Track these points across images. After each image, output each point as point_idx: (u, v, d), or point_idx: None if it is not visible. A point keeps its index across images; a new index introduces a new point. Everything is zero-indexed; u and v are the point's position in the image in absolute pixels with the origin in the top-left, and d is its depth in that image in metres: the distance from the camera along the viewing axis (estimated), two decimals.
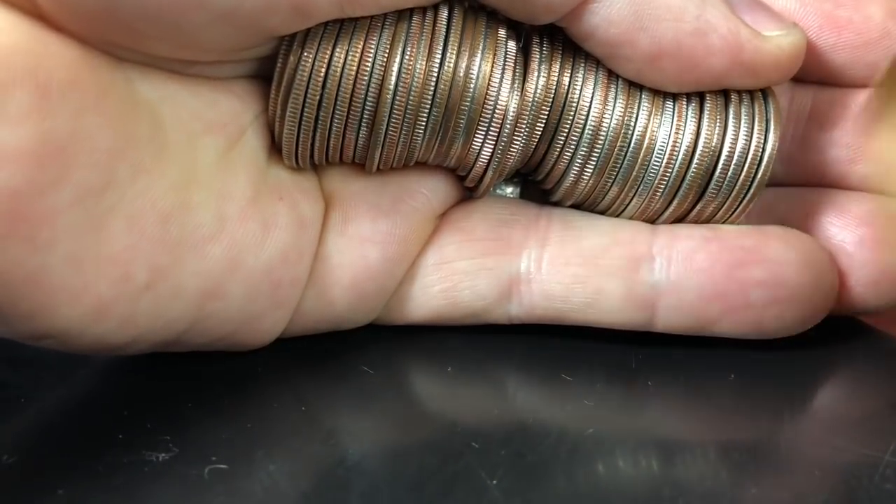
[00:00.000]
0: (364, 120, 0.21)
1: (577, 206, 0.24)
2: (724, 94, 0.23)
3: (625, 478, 0.19)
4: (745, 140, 0.22)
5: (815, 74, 0.24)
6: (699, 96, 0.22)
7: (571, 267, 0.23)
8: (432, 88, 0.21)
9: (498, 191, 0.25)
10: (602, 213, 0.24)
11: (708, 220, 0.23)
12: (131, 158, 0.19)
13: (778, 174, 0.24)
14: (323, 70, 0.20)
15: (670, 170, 0.22)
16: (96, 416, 0.21)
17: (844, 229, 0.23)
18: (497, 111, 0.21)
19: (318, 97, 0.21)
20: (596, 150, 0.22)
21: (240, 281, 0.21)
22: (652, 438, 0.20)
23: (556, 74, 0.22)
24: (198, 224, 0.20)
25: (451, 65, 0.21)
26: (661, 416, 0.21)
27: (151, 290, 0.19)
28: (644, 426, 0.21)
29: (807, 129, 0.24)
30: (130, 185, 0.19)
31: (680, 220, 0.23)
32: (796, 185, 0.25)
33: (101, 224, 0.18)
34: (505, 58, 0.21)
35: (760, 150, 0.22)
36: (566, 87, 0.22)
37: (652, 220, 0.23)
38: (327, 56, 0.20)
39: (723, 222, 0.23)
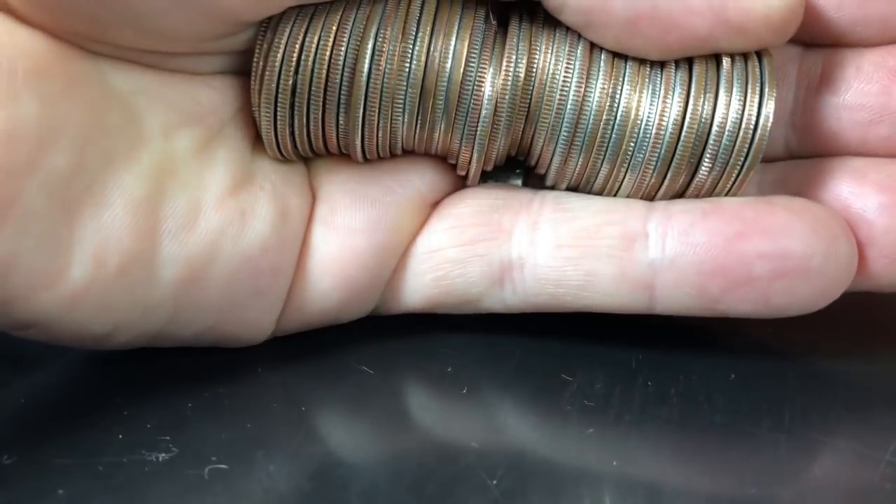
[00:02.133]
0: (341, 104, 0.21)
1: (573, 189, 0.23)
2: (716, 60, 0.22)
3: (624, 478, 0.19)
4: (739, 106, 0.21)
5: (823, 36, 0.23)
6: (688, 63, 0.21)
7: (563, 249, 0.22)
8: (407, 70, 0.21)
9: (500, 179, 0.25)
10: (598, 194, 0.23)
11: (708, 194, 0.22)
12: (102, 146, 0.19)
13: (792, 146, 0.24)
14: (295, 55, 0.20)
15: (660, 143, 0.21)
16: (96, 417, 0.21)
17: (863, 196, 0.22)
18: (476, 92, 0.21)
19: (291, 82, 0.21)
20: (581, 127, 0.22)
21: (217, 269, 0.21)
22: (652, 439, 0.20)
23: (537, 52, 0.21)
24: (171, 212, 0.20)
25: (425, 45, 0.21)
26: (660, 416, 0.21)
27: (126, 276, 0.19)
28: (644, 427, 0.21)
29: (819, 94, 0.23)
30: (101, 172, 0.19)
31: (679, 195, 0.22)
32: (812, 157, 0.23)
33: (72, 208, 0.19)
34: (482, 37, 0.21)
35: (755, 115, 0.21)
36: (547, 65, 0.22)
37: (649, 198, 0.23)
38: (299, 40, 0.20)
39: (726, 194, 0.22)
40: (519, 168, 0.25)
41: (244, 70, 0.22)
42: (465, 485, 0.18)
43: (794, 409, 0.21)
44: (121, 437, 0.20)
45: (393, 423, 0.21)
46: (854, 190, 0.22)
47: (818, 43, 0.23)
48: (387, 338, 0.24)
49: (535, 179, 0.24)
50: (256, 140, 0.22)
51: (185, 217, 0.20)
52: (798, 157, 0.24)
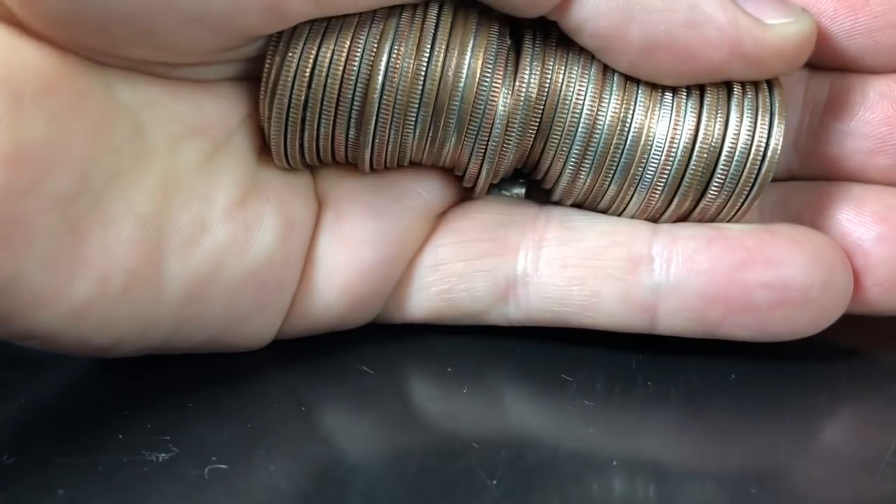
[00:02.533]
0: (352, 119, 0.21)
1: (578, 206, 0.24)
2: (727, 87, 0.22)
3: (624, 478, 0.19)
4: (748, 134, 0.21)
5: (831, 61, 0.23)
6: (699, 89, 0.22)
7: (568, 269, 0.22)
8: (420, 87, 0.21)
9: (503, 192, 0.25)
10: (603, 212, 0.23)
11: (712, 219, 0.23)
12: (107, 164, 0.19)
13: (794, 167, 0.24)
14: (308, 69, 0.20)
15: (669, 166, 0.22)
16: (96, 417, 0.21)
17: (861, 226, 0.22)
18: (488, 110, 0.21)
19: (303, 97, 0.21)
20: (591, 146, 0.22)
21: (221, 284, 0.21)
22: (652, 439, 0.20)
23: (550, 71, 0.22)
24: (177, 228, 0.20)
25: (440, 63, 0.21)
26: (660, 416, 0.21)
27: (130, 294, 0.19)
28: (644, 427, 0.21)
29: (823, 118, 0.23)
30: (106, 190, 0.19)
31: (683, 218, 0.23)
32: (812, 179, 0.24)
33: (77, 227, 0.19)
34: (496, 55, 0.21)
35: (764, 144, 0.21)
36: (559, 84, 0.22)
37: (654, 219, 0.23)
38: (312, 55, 0.20)
39: (728, 220, 0.22)
40: (522, 178, 0.25)
41: (250, 76, 0.22)
42: (466, 485, 0.18)
43: (794, 409, 0.21)
44: (121, 437, 0.20)
45: (393, 423, 0.21)
46: (853, 218, 0.22)
47: (826, 67, 0.23)
48: (387, 338, 0.24)
49: (537, 191, 0.24)
50: (262, 149, 0.22)
51: (191, 233, 0.20)
52: (799, 178, 0.24)
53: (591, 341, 0.23)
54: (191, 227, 0.20)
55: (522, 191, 0.25)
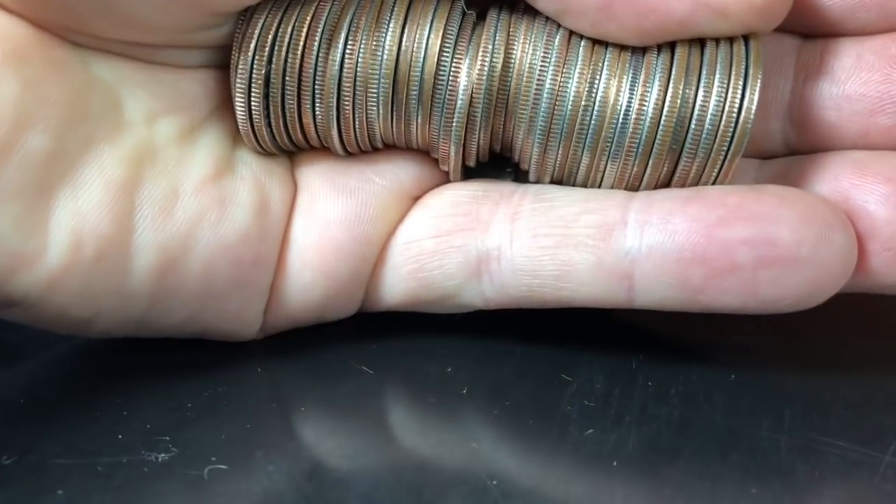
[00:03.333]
0: (316, 96, 0.21)
1: (557, 183, 0.23)
2: (700, 45, 0.21)
3: (625, 478, 0.19)
4: (721, 91, 0.20)
5: (821, 25, 0.22)
6: (670, 48, 0.21)
7: (539, 238, 0.21)
8: (379, 61, 0.21)
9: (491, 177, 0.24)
10: (582, 186, 0.22)
11: (693, 184, 0.21)
12: (82, 130, 0.19)
13: (790, 139, 0.23)
14: (268, 44, 0.20)
15: (639, 130, 0.21)
16: (96, 417, 0.21)
17: (864, 188, 0.21)
18: (451, 83, 0.21)
19: (264, 72, 0.21)
20: (558, 116, 0.21)
21: (195, 256, 0.21)
22: (651, 439, 0.20)
23: (515, 43, 0.21)
24: (149, 197, 0.20)
25: (398, 35, 0.21)
26: (660, 416, 0.21)
27: (103, 260, 0.20)
28: (644, 427, 0.21)
29: (818, 85, 0.22)
30: (80, 155, 0.19)
31: (663, 185, 0.22)
32: (812, 151, 0.23)
33: (50, 190, 0.19)
34: (459, 28, 0.21)
35: (739, 100, 0.20)
36: (524, 55, 0.21)
37: (634, 188, 0.22)
38: (272, 30, 0.20)
39: (713, 183, 0.21)
40: (509, 167, 0.24)
41: (227, 63, 0.22)
42: (465, 485, 0.18)
43: (794, 409, 0.21)
44: (121, 437, 0.20)
45: (393, 424, 0.21)
46: (855, 181, 0.21)
47: (816, 33, 0.23)
48: (387, 338, 0.24)
49: (524, 178, 0.24)
50: (238, 135, 0.22)
51: (163, 203, 0.20)
52: (797, 152, 0.23)
53: (591, 341, 0.23)
54: (163, 196, 0.20)
55: (510, 177, 0.24)
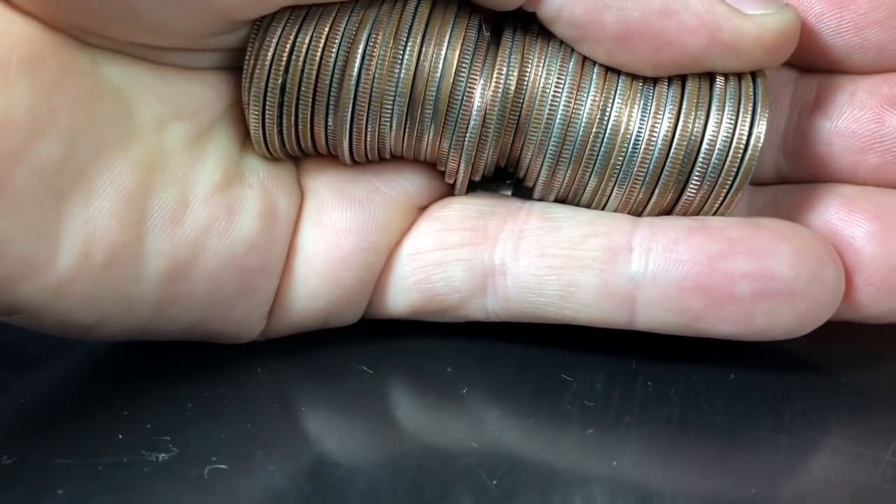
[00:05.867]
0: (330, 107, 0.21)
1: (561, 202, 0.23)
2: (709, 78, 0.22)
3: (624, 478, 0.19)
4: (729, 126, 0.21)
5: (819, 60, 0.23)
6: (681, 80, 0.21)
7: (546, 258, 0.22)
8: (396, 76, 0.21)
9: (490, 189, 0.25)
10: (586, 207, 0.23)
11: (696, 213, 0.22)
12: (94, 136, 0.19)
13: (783, 169, 0.24)
14: (285, 53, 0.20)
15: (648, 158, 0.21)
16: (96, 417, 0.21)
17: (852, 224, 0.22)
18: (465, 102, 0.21)
19: (280, 81, 0.21)
20: (569, 139, 0.22)
21: (203, 264, 0.21)
22: (652, 439, 0.20)
23: (528, 64, 0.21)
24: (159, 204, 0.20)
25: (415, 53, 0.21)
26: (660, 416, 0.21)
27: (112, 268, 0.20)
28: (644, 427, 0.21)
29: (812, 118, 0.23)
30: (92, 162, 0.19)
31: (666, 212, 0.22)
32: (802, 181, 0.23)
33: (61, 198, 0.19)
34: (474, 47, 0.21)
35: (746, 136, 0.21)
36: (538, 77, 0.21)
37: (637, 213, 0.23)
38: (290, 39, 0.20)
39: (714, 213, 0.22)
40: (509, 179, 0.25)
41: (238, 66, 0.22)
42: (465, 485, 0.18)
43: (794, 409, 0.21)
44: (121, 437, 0.20)
45: (393, 423, 0.21)
46: (843, 217, 0.22)
47: (814, 68, 0.23)
48: (387, 338, 0.24)
49: (524, 191, 0.24)
50: (246, 137, 0.22)
51: (173, 211, 0.20)
52: (789, 181, 0.24)
53: (591, 341, 0.23)
54: (173, 205, 0.20)
55: (510, 190, 0.25)
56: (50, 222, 0.19)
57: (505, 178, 0.25)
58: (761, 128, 0.21)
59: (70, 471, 0.19)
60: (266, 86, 0.21)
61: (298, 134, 0.22)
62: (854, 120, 0.22)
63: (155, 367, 0.22)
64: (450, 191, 0.24)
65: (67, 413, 0.21)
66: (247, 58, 0.21)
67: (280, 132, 0.22)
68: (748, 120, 0.21)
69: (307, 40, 0.20)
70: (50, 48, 0.19)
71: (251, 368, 0.23)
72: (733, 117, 0.21)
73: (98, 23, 0.19)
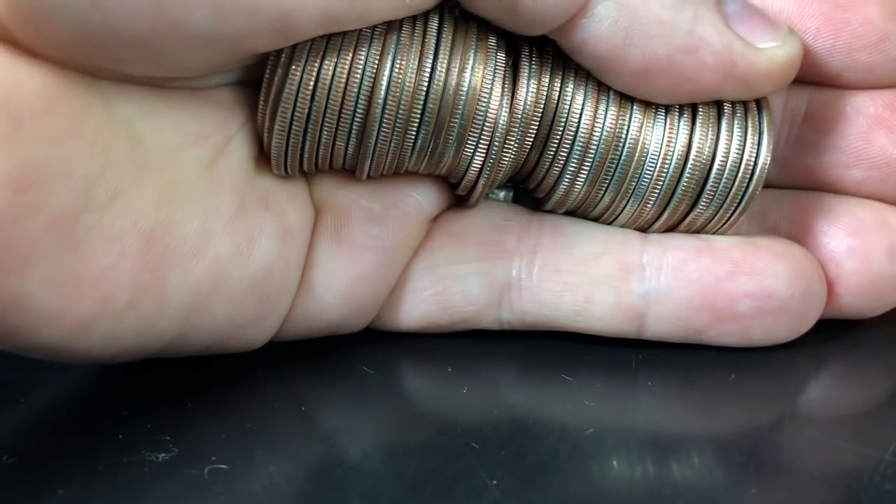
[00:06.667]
0: (353, 132, 0.21)
1: (570, 214, 0.24)
2: (717, 105, 0.22)
3: (624, 478, 0.19)
4: (738, 151, 0.22)
5: (811, 76, 0.23)
6: (691, 107, 0.22)
7: (562, 274, 0.23)
8: (422, 102, 0.21)
9: (490, 195, 0.25)
10: (595, 220, 0.24)
11: (700, 229, 0.23)
12: (109, 180, 0.19)
13: (772, 176, 0.24)
14: (311, 83, 0.20)
15: (662, 179, 0.22)
16: (96, 417, 0.21)
17: (835, 238, 0.23)
18: (487, 123, 0.21)
19: (306, 110, 0.21)
20: (588, 159, 0.22)
21: (225, 295, 0.21)
22: (651, 439, 0.20)
23: (546, 86, 0.22)
24: (181, 240, 0.20)
25: (442, 78, 0.21)
26: (660, 416, 0.21)
27: (134, 309, 0.19)
28: (644, 427, 0.21)
29: (801, 131, 0.24)
30: (109, 207, 0.19)
31: (672, 228, 0.23)
32: (790, 188, 0.25)
33: (80, 246, 0.18)
34: (495, 69, 0.21)
35: (753, 160, 0.22)
36: (556, 98, 0.22)
37: (644, 229, 0.23)
38: (315, 69, 0.20)
39: (715, 232, 0.23)
40: (509, 183, 0.25)
41: (249, 81, 0.22)
42: (466, 485, 0.18)
43: (794, 410, 0.21)
44: (121, 437, 0.20)
45: (393, 423, 0.21)
46: (827, 230, 0.24)
47: (806, 81, 0.24)
48: (387, 338, 0.24)
49: (524, 194, 0.24)
50: (258, 155, 0.22)
51: (194, 244, 0.20)
52: (777, 187, 0.25)
53: (592, 341, 0.23)
54: (194, 238, 0.20)
55: (509, 194, 0.25)
56: (68, 272, 0.18)
57: (506, 182, 0.25)
58: (767, 154, 0.22)
59: (70, 471, 0.19)
60: (292, 115, 0.21)
61: (318, 156, 0.22)
62: (841, 136, 0.24)
63: (155, 367, 0.22)
64: (458, 200, 0.24)
65: (67, 413, 0.21)
66: (266, 83, 0.21)
67: (301, 155, 0.22)
68: (755, 146, 0.22)
69: (332, 69, 0.20)
70: (61, 94, 0.18)
71: (251, 368, 0.23)
72: (741, 143, 0.22)
73: (118, 64, 0.19)
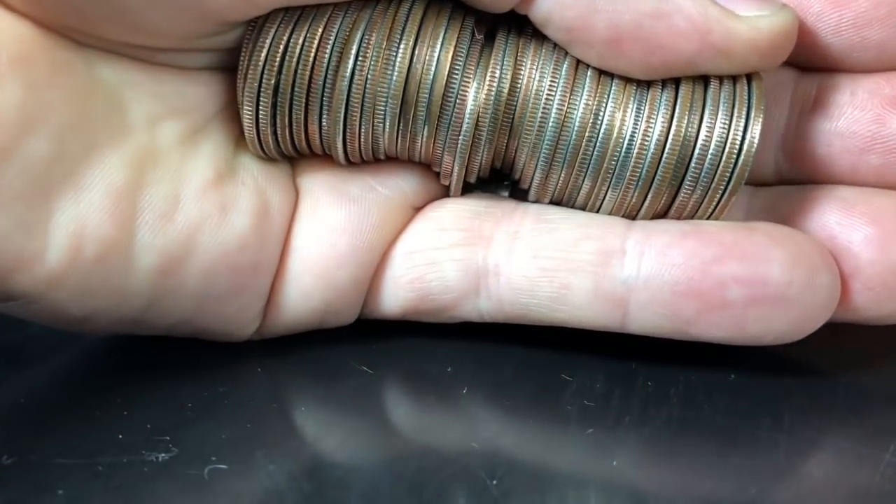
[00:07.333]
0: (323, 107, 0.21)
1: (556, 204, 0.23)
2: (703, 81, 0.21)
3: (624, 478, 0.19)
4: (723, 129, 0.21)
5: (819, 59, 0.22)
6: (675, 83, 0.21)
7: (539, 260, 0.22)
8: (389, 77, 0.21)
9: (484, 190, 0.24)
10: (580, 209, 0.23)
11: (690, 216, 0.22)
12: (84, 133, 0.19)
13: (782, 170, 0.24)
14: (279, 54, 0.21)
15: (642, 161, 0.21)
16: (96, 417, 0.21)
17: (850, 227, 0.21)
18: (458, 103, 0.21)
19: (273, 81, 0.21)
20: (563, 142, 0.22)
21: (195, 261, 0.21)
22: (651, 439, 0.20)
23: (522, 66, 0.21)
24: (150, 201, 0.20)
25: (408, 54, 0.21)
26: (660, 416, 0.21)
27: (103, 263, 0.20)
28: (644, 427, 0.21)
29: (812, 119, 0.23)
30: (82, 159, 0.19)
31: (660, 215, 0.22)
32: (801, 182, 0.23)
33: (51, 194, 0.19)
34: (469, 47, 0.21)
35: (739, 139, 0.21)
36: (531, 79, 0.21)
37: (631, 216, 0.23)
38: (284, 40, 0.21)
39: (706, 218, 0.22)
40: (506, 180, 0.25)
41: (232, 66, 0.22)
42: (465, 485, 0.18)
43: (794, 409, 0.21)
44: (121, 437, 0.20)
45: (393, 424, 0.21)
46: (841, 220, 0.22)
47: (814, 67, 0.23)
48: (387, 338, 0.24)
49: (520, 193, 0.24)
50: (241, 137, 0.22)
51: (165, 207, 0.20)
52: (788, 182, 0.24)
53: (591, 341, 0.23)
54: (164, 201, 0.20)
55: (506, 192, 0.25)
56: (39, 218, 0.19)
57: (502, 180, 0.25)
58: (755, 131, 0.21)
59: (70, 471, 0.19)
60: (259, 86, 0.21)
61: (293, 134, 0.22)
62: (854, 120, 0.22)
63: (155, 367, 0.22)
64: (445, 192, 0.24)
65: (67, 413, 0.21)
66: (241, 58, 0.21)
67: (274, 132, 0.22)
68: (742, 123, 0.21)
69: (300, 41, 0.21)
70: (41, 47, 0.19)
71: (251, 368, 0.23)
72: (727, 121, 0.21)
73: (89, 23, 0.19)
